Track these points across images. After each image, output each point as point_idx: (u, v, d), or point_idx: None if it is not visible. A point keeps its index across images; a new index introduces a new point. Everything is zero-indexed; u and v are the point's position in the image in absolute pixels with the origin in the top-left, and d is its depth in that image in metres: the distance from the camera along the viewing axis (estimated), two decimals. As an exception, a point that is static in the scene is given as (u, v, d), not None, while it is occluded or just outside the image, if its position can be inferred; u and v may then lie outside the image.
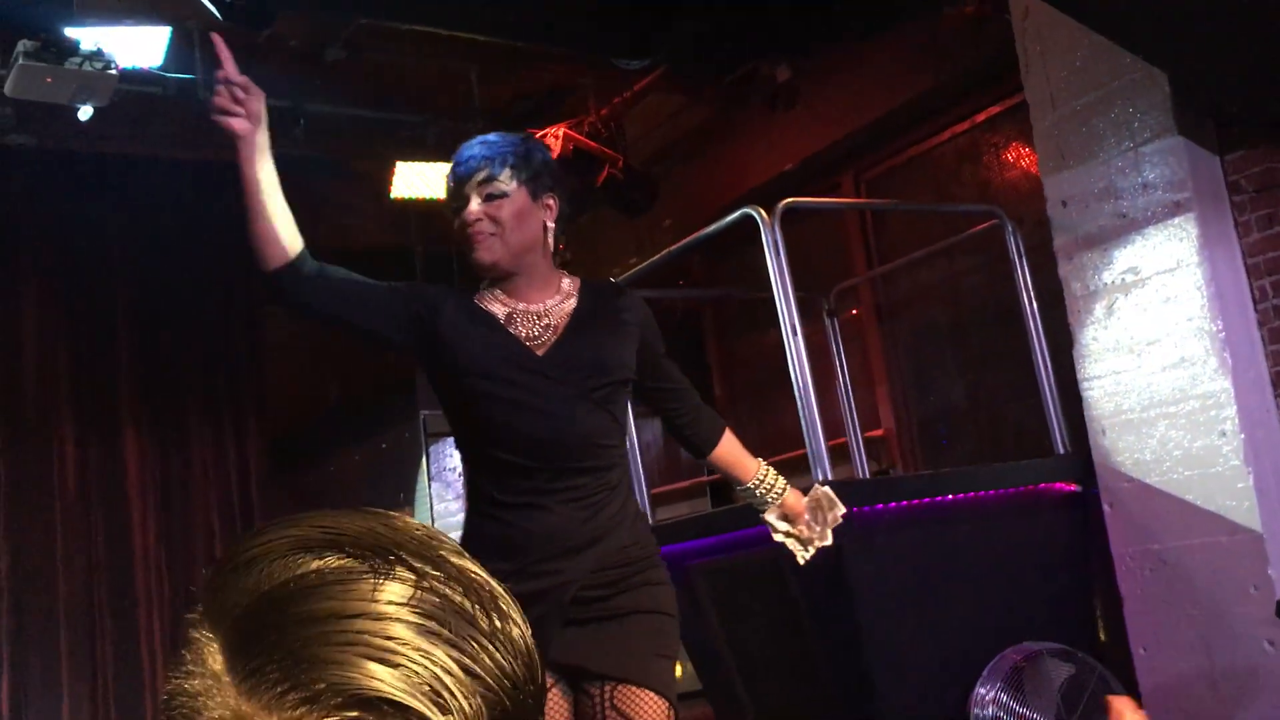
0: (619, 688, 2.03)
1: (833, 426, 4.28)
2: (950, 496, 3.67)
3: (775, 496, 2.36)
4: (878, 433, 5.79)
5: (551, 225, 2.22)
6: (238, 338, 6.42)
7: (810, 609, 3.41)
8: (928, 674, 3.44)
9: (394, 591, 0.55)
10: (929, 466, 5.47)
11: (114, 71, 3.98)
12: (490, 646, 0.55)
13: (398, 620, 0.54)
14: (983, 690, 3.43)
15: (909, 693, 3.41)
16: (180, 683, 0.56)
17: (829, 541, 2.36)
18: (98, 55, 3.94)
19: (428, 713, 0.51)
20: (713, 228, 3.92)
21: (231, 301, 6.36)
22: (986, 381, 5.33)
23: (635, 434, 4.19)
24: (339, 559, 0.56)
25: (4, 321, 5.83)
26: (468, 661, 0.54)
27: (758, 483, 2.37)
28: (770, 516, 2.37)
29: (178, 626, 5.94)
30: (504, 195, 2.14)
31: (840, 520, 2.38)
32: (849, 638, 3.37)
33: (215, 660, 0.55)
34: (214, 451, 6.32)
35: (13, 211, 5.85)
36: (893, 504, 3.53)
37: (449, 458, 7.59)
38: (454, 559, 0.59)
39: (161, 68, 4.38)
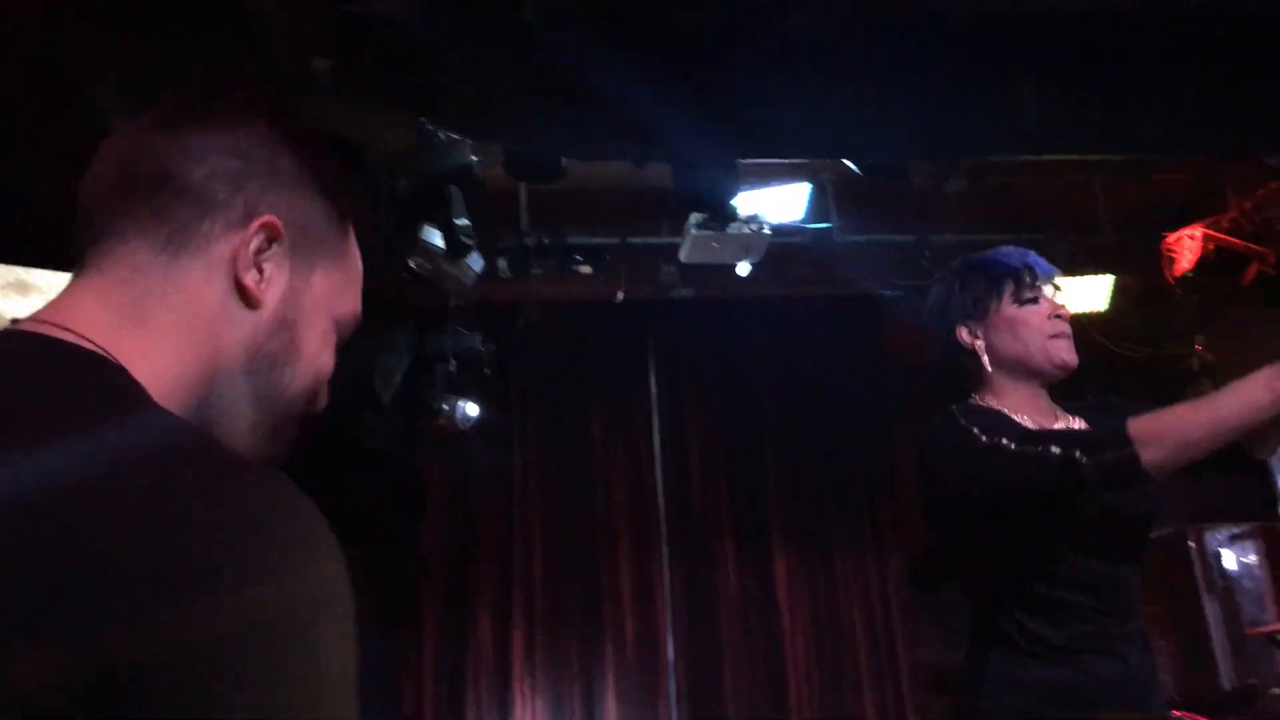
0: None
1: None
2: None
3: None
4: None
5: None
6: (871, 460, 6.77)
7: None
8: None
9: None
10: None
11: (767, 231, 4.50)
12: None
13: None
14: None
15: None
16: None
17: None
18: (753, 219, 4.49)
19: None
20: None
21: (863, 425, 6.74)
22: None
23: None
24: None
25: (674, 451, 6.68)
26: None
27: None
28: None
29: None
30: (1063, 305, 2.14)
31: None
32: None
33: None
34: (856, 568, 6.67)
35: (678, 353, 6.75)
36: None
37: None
38: None
39: (803, 220, 4.87)
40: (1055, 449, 1.83)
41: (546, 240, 5.30)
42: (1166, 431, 1.78)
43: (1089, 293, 5.21)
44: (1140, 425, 1.79)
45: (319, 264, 0.93)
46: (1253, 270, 4.86)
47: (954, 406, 2.08)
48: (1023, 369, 2.08)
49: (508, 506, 6.57)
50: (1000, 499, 1.94)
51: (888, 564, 6.73)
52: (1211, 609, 6.26)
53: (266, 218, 0.88)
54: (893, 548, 6.82)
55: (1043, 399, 2.11)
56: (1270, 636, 6.27)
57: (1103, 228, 5.01)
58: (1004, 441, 1.89)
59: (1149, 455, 1.75)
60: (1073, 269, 5.21)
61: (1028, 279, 2.10)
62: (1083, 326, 5.46)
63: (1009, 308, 2.08)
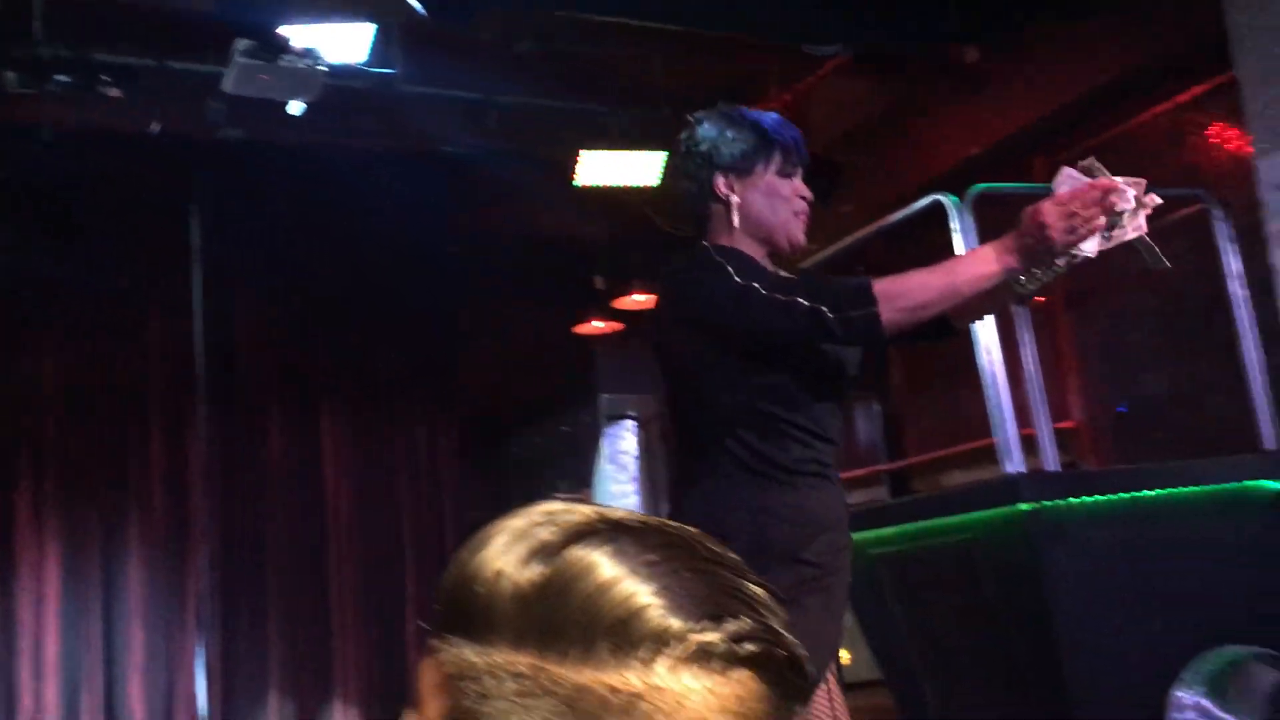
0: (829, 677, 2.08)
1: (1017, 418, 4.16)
2: (1148, 492, 3.53)
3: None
4: (1067, 424, 5.60)
5: None
6: (433, 326, 6.69)
7: (1002, 604, 3.35)
8: (1123, 675, 3.32)
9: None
10: (1121, 461, 5.26)
11: (323, 68, 4.19)
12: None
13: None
14: (1182, 694, 3.30)
15: (1103, 693, 3.30)
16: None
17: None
18: (308, 53, 4.16)
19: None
20: (900, 214, 3.85)
21: (427, 289, 6.61)
22: (1187, 372, 5.09)
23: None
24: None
25: (217, 304, 6.22)
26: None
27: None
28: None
29: (367, 588, 6.29)
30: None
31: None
32: (1043, 635, 3.28)
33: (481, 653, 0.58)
34: (407, 433, 6.62)
35: (224, 201, 6.23)
36: (1087, 498, 3.42)
37: (623, 440, 7.73)
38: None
39: (365, 63, 4.59)
40: (803, 300, 1.92)
41: (66, 54, 4.63)
42: (905, 293, 1.90)
43: (643, 168, 5.37)
44: (883, 286, 1.90)
45: None
46: (787, 159, 5.22)
47: (704, 244, 2.14)
48: (763, 234, 2.15)
49: (14, 358, 5.83)
50: (747, 337, 2.04)
51: (440, 431, 6.73)
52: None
53: None
54: (449, 416, 6.82)
55: (769, 264, 2.19)
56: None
57: (659, 104, 5.16)
58: (755, 285, 1.98)
59: (888, 315, 1.87)
60: (629, 143, 5.34)
61: (794, 155, 2.15)
62: (634, 202, 5.68)
63: (771, 175, 2.13)
